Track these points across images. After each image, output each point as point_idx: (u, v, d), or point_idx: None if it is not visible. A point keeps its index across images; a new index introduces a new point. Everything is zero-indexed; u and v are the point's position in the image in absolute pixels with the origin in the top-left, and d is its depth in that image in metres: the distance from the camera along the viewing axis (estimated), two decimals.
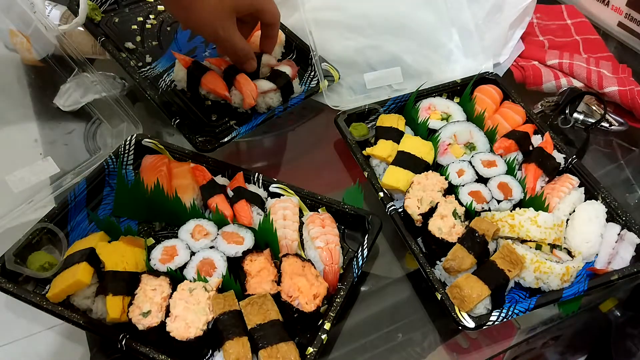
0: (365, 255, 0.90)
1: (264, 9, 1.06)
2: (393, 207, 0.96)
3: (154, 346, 0.79)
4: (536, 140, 1.09)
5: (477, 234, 0.89)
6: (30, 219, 0.95)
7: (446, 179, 0.98)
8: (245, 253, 0.88)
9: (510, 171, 1.02)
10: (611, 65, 1.28)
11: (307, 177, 1.10)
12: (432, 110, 1.13)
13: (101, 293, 0.82)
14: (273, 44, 1.16)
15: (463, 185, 0.98)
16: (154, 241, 0.94)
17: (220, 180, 1.00)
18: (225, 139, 1.08)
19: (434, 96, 1.17)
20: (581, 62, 1.27)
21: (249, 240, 0.90)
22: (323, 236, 0.91)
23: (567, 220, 0.98)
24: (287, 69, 1.17)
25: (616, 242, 0.96)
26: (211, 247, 0.89)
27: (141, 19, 1.32)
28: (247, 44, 1.08)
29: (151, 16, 1.33)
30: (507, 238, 0.93)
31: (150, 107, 1.15)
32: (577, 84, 1.25)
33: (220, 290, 0.85)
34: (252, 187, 1.00)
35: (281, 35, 1.26)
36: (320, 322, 0.83)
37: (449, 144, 1.07)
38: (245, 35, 1.09)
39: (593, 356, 1.32)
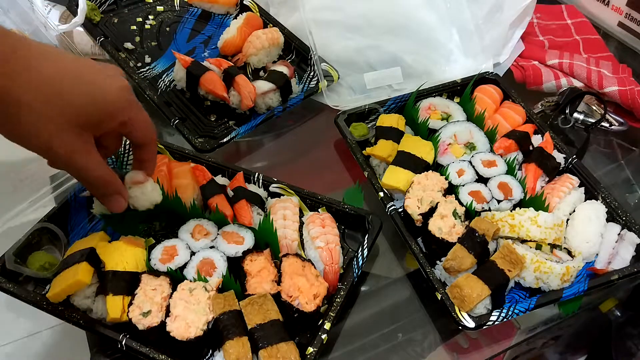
0: (365, 255, 0.90)
1: (132, 122, 0.76)
2: (393, 207, 0.96)
3: (154, 346, 0.79)
4: (536, 140, 1.09)
5: (477, 234, 0.89)
6: (31, 218, 0.96)
7: (446, 178, 0.98)
8: (246, 253, 0.88)
9: (510, 171, 1.02)
10: (611, 65, 1.28)
11: (307, 177, 1.10)
12: (432, 110, 1.13)
13: (101, 293, 0.82)
14: (153, 166, 0.87)
15: (463, 185, 0.98)
16: (154, 241, 0.94)
17: (220, 180, 1.00)
18: (225, 139, 1.08)
19: (434, 96, 1.17)
20: (581, 62, 1.27)
21: (249, 240, 0.90)
22: (323, 236, 0.91)
23: (567, 220, 0.98)
24: (283, 68, 1.17)
25: (616, 242, 0.96)
26: (211, 247, 0.89)
27: (140, 19, 1.32)
28: (107, 170, 0.77)
29: (150, 17, 1.33)
30: (507, 238, 0.93)
31: (150, 107, 1.15)
32: (577, 83, 1.25)
33: (221, 290, 0.85)
34: (252, 187, 0.99)
35: (280, 37, 1.26)
36: (320, 322, 0.82)
37: (449, 143, 1.07)
38: (112, 150, 0.82)
39: (593, 356, 1.32)
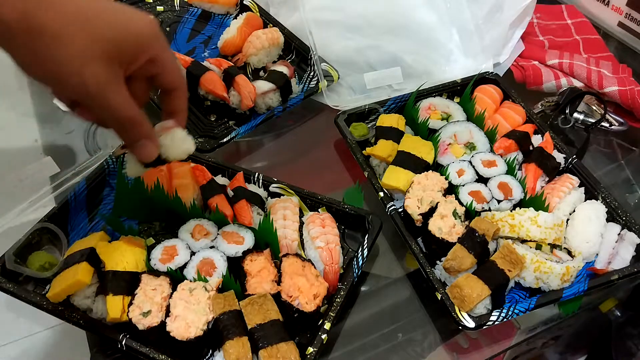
0: (365, 255, 0.90)
1: (162, 61, 0.72)
2: (393, 207, 0.96)
3: (154, 346, 0.79)
4: (536, 140, 1.09)
5: (477, 234, 0.89)
6: (31, 218, 0.96)
7: (446, 178, 0.98)
8: (246, 253, 0.88)
9: (510, 171, 1.02)
10: (611, 65, 1.28)
11: (307, 177, 1.10)
12: (432, 110, 1.13)
13: (101, 293, 0.82)
14: (184, 116, 0.80)
15: (463, 185, 0.98)
16: (154, 241, 0.94)
17: (220, 180, 1.00)
18: (225, 139, 1.08)
19: (434, 96, 1.17)
20: (581, 62, 1.27)
21: (249, 240, 0.90)
22: (323, 236, 0.91)
23: (567, 220, 0.98)
24: (283, 68, 1.17)
25: (616, 242, 0.96)
26: (211, 247, 0.89)
27: None
28: (137, 110, 0.71)
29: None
30: (507, 238, 0.93)
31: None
32: (577, 83, 1.25)
33: (221, 290, 0.85)
34: (252, 187, 0.99)
35: (280, 37, 1.26)
36: (321, 322, 0.82)
37: (449, 143, 1.07)
38: (140, 99, 0.74)
39: (593, 356, 1.32)
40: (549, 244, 0.93)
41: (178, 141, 0.80)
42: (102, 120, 0.73)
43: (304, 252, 0.92)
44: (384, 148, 1.04)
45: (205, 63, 1.15)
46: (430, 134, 1.09)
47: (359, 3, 1.27)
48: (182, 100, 0.78)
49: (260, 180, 1.00)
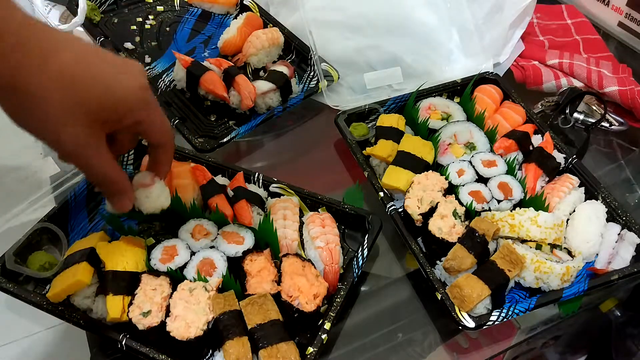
0: (365, 255, 0.90)
1: (148, 122, 0.73)
2: (393, 207, 0.96)
3: (154, 346, 0.79)
4: (536, 140, 1.09)
5: (477, 234, 0.89)
6: (31, 218, 0.96)
7: (446, 178, 0.98)
8: (246, 253, 0.88)
9: (510, 171, 1.02)
10: (611, 65, 1.28)
11: (307, 177, 1.10)
12: (432, 110, 1.13)
13: (101, 293, 0.82)
14: (165, 170, 0.83)
15: (463, 185, 0.98)
16: (154, 241, 0.94)
17: (220, 180, 1.00)
18: (225, 139, 1.08)
19: (434, 96, 1.17)
20: (581, 62, 1.27)
21: (249, 240, 0.90)
22: (323, 236, 0.91)
23: (567, 220, 0.98)
24: (283, 68, 1.17)
25: (616, 242, 0.96)
26: (211, 247, 0.89)
27: (140, 19, 1.32)
28: (115, 168, 0.73)
29: (150, 17, 1.33)
30: (507, 238, 0.93)
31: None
32: (577, 83, 1.25)
33: (221, 290, 0.85)
34: (252, 187, 0.99)
35: (280, 37, 1.26)
36: (321, 321, 0.82)
37: (449, 143, 1.07)
38: (125, 147, 0.79)
39: (593, 356, 1.32)
40: (549, 244, 0.93)
41: (154, 197, 0.84)
42: (85, 173, 0.75)
43: (304, 252, 0.92)
44: (384, 148, 1.04)
45: (206, 63, 1.15)
46: (430, 134, 1.09)
47: (359, 3, 1.27)
48: (168, 156, 0.81)
49: (260, 180, 1.00)
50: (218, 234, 0.91)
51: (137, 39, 1.28)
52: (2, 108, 0.65)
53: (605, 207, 0.99)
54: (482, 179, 1.00)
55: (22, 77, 0.62)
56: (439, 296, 0.85)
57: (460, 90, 1.18)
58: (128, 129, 0.72)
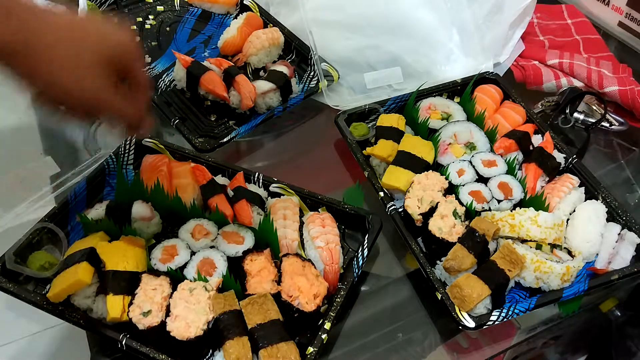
0: (365, 255, 0.90)
1: (140, 61, 0.80)
2: (393, 207, 0.96)
3: (155, 346, 0.79)
4: (536, 140, 1.09)
5: (477, 234, 0.89)
6: (31, 218, 0.96)
7: (446, 178, 0.98)
8: (246, 253, 0.88)
9: (510, 171, 1.02)
10: (611, 65, 1.28)
11: (307, 177, 1.10)
12: (433, 110, 1.13)
13: (101, 293, 0.82)
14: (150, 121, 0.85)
15: (463, 185, 0.98)
16: (154, 241, 0.94)
17: (220, 180, 1.00)
18: (225, 139, 1.08)
19: (434, 96, 1.17)
20: (581, 62, 1.27)
21: (249, 240, 0.90)
22: (323, 236, 0.91)
23: (568, 220, 0.98)
24: (283, 68, 1.17)
25: (616, 241, 0.96)
26: (211, 247, 0.89)
27: (140, 19, 1.32)
28: (131, 104, 0.78)
29: (150, 17, 1.33)
30: (507, 238, 0.93)
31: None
32: (578, 83, 1.25)
33: (221, 290, 0.85)
34: (252, 187, 0.99)
35: (280, 37, 1.26)
36: (321, 321, 0.82)
37: (449, 143, 1.07)
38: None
39: (593, 356, 1.32)
40: (549, 243, 0.93)
41: (152, 227, 0.94)
42: (103, 114, 0.79)
43: (304, 252, 0.92)
44: (384, 148, 1.04)
45: (206, 63, 1.15)
46: (430, 134, 1.09)
47: (359, 3, 1.27)
48: (146, 96, 0.83)
49: (261, 180, 1.00)
50: (218, 233, 0.91)
51: (137, 38, 1.28)
52: (18, 77, 0.68)
53: (606, 207, 0.99)
54: (482, 179, 1.00)
55: (34, 31, 0.67)
56: (439, 296, 0.85)
57: (460, 90, 1.18)
58: (126, 71, 0.77)
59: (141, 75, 0.80)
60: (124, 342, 0.79)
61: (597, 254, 0.95)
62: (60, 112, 0.74)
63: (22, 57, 0.67)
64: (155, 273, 0.84)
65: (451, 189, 0.98)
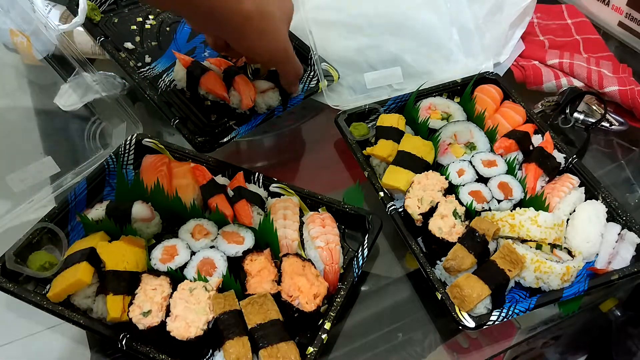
0: (365, 255, 0.90)
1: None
2: (393, 207, 0.96)
3: (155, 346, 0.79)
4: (536, 140, 1.09)
5: (477, 234, 0.89)
6: (31, 218, 0.96)
7: (446, 178, 0.98)
8: (246, 253, 0.88)
9: (510, 171, 1.02)
10: (611, 65, 1.28)
11: (307, 177, 1.10)
12: (433, 110, 1.13)
13: (102, 292, 0.82)
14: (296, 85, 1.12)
15: (463, 185, 0.98)
16: (154, 241, 0.94)
17: (220, 180, 1.00)
18: (225, 139, 1.08)
19: (434, 96, 1.17)
20: (581, 62, 1.27)
21: (249, 240, 0.90)
22: (323, 236, 0.91)
23: (568, 220, 0.98)
24: None
25: (616, 241, 0.96)
26: (211, 247, 0.89)
27: (140, 19, 1.32)
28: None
29: (150, 17, 1.33)
30: (507, 238, 0.93)
31: (150, 107, 1.15)
32: (578, 83, 1.25)
33: (221, 289, 0.85)
34: (252, 187, 1.00)
35: None
36: (321, 321, 0.83)
37: (449, 143, 1.07)
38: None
39: (593, 356, 1.32)
40: (549, 243, 0.93)
41: (152, 227, 0.95)
42: (286, 73, 1.05)
43: (304, 252, 0.92)
44: (384, 148, 1.04)
45: (206, 63, 1.15)
46: (430, 134, 1.09)
47: (359, 3, 1.27)
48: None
49: (261, 180, 1.00)
50: (218, 233, 0.91)
51: (137, 38, 1.28)
52: (244, 43, 0.92)
53: (606, 207, 0.99)
54: (482, 179, 1.00)
55: (266, 5, 0.88)
56: (439, 296, 0.85)
57: (460, 90, 1.18)
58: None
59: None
60: (123, 342, 0.80)
61: (597, 254, 0.95)
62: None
63: (256, 26, 0.87)
64: (155, 273, 0.84)
65: (451, 189, 0.98)
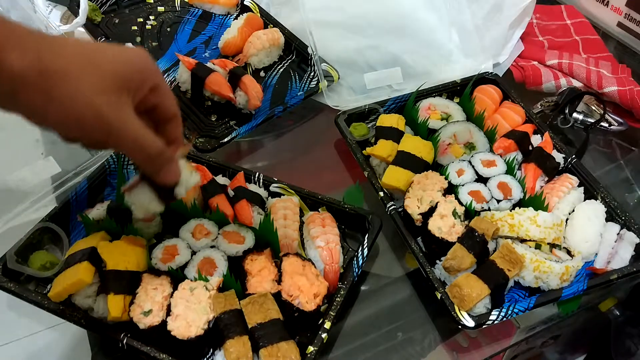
0: (365, 255, 0.90)
1: (161, 88, 0.73)
2: (393, 207, 0.97)
3: (155, 345, 0.80)
4: (536, 140, 1.10)
5: (476, 234, 0.89)
6: (32, 218, 0.96)
7: (446, 178, 0.99)
8: (246, 252, 0.88)
9: (509, 171, 1.02)
10: (610, 65, 1.29)
11: (307, 177, 1.10)
12: (432, 110, 1.14)
13: (102, 292, 0.82)
14: (182, 142, 0.79)
15: (463, 185, 0.98)
16: (155, 241, 0.94)
17: (220, 180, 1.01)
18: (225, 140, 1.08)
19: (434, 96, 1.17)
20: (581, 62, 1.27)
21: (249, 240, 0.90)
22: (323, 235, 0.91)
23: (567, 219, 0.98)
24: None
25: (615, 241, 0.96)
26: (212, 247, 0.90)
27: (141, 20, 1.32)
28: (157, 138, 0.71)
29: (151, 17, 1.33)
30: (506, 237, 0.93)
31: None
32: (577, 84, 1.26)
33: (221, 289, 0.85)
34: (252, 187, 1.00)
35: (280, 37, 1.27)
36: (321, 321, 0.83)
37: (449, 143, 1.07)
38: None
39: (592, 355, 1.32)
40: (548, 243, 0.93)
41: (152, 227, 0.92)
42: (122, 148, 0.72)
43: (304, 251, 0.92)
44: (384, 148, 1.04)
45: (210, 64, 1.16)
46: (430, 134, 1.09)
47: (359, 3, 1.27)
48: (180, 128, 0.78)
49: (261, 180, 1.01)
50: (219, 233, 0.91)
51: (138, 39, 1.28)
52: (27, 111, 0.64)
53: (605, 207, 0.99)
54: (482, 179, 1.00)
55: (48, 59, 0.63)
56: (439, 295, 0.86)
57: (460, 91, 1.18)
58: (145, 101, 0.71)
59: (168, 101, 0.73)
60: (124, 342, 0.80)
61: (596, 254, 0.95)
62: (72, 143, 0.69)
63: (34, 87, 0.62)
64: (156, 272, 0.85)
65: (451, 189, 0.98)
